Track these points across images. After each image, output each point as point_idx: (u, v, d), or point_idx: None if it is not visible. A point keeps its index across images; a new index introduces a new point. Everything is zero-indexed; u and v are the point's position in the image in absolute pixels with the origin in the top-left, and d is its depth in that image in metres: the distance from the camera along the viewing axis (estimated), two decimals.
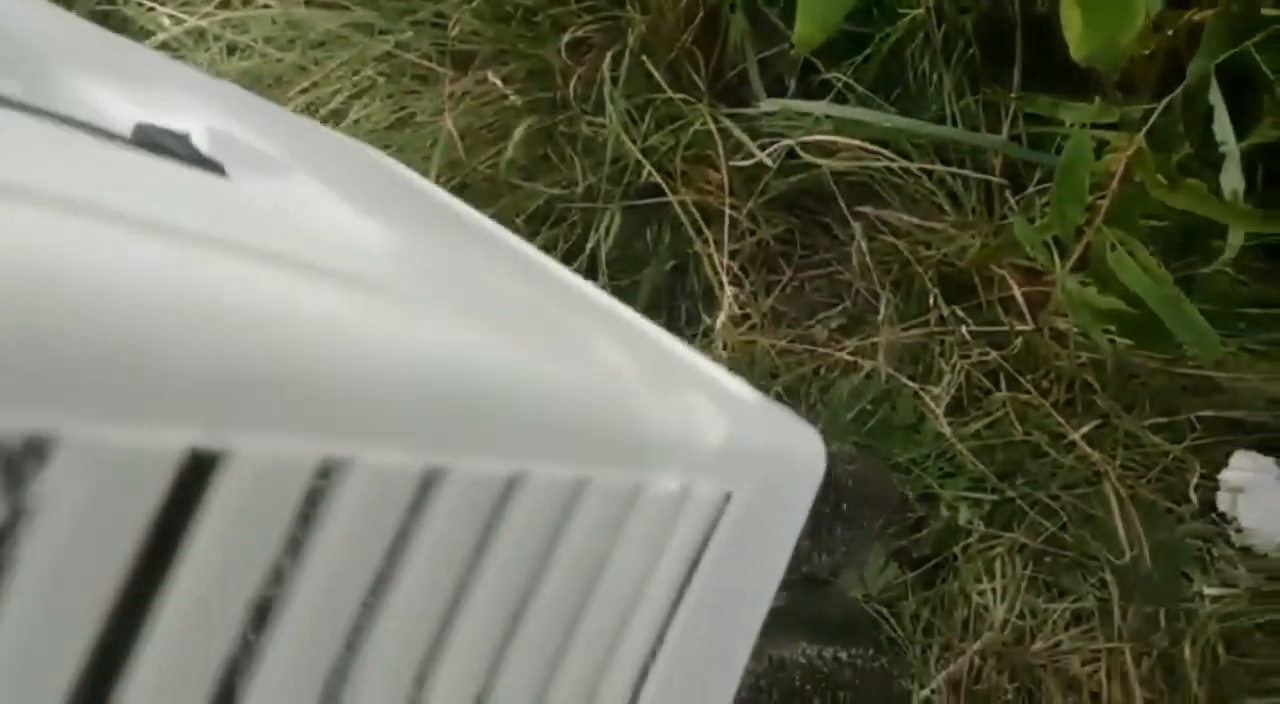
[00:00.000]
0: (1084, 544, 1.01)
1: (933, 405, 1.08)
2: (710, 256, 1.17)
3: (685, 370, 0.55)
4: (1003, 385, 1.07)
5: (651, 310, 1.23)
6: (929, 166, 1.04)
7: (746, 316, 1.19)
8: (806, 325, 1.20)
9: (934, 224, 1.10)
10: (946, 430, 1.06)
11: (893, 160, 1.04)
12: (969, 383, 1.07)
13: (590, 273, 1.20)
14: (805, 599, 1.04)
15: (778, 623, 1.06)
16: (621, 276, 1.20)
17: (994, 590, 0.99)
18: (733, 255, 1.16)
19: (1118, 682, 0.95)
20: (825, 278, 1.21)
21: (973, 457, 1.05)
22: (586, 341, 0.48)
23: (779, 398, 1.16)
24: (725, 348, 1.12)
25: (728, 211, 1.10)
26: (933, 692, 0.95)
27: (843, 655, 0.94)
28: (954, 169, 1.05)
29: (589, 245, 1.19)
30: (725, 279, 1.08)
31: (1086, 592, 0.99)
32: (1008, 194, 1.12)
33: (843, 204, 1.14)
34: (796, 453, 0.60)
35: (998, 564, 1.00)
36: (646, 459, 0.44)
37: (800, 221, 1.20)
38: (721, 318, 1.07)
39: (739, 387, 0.58)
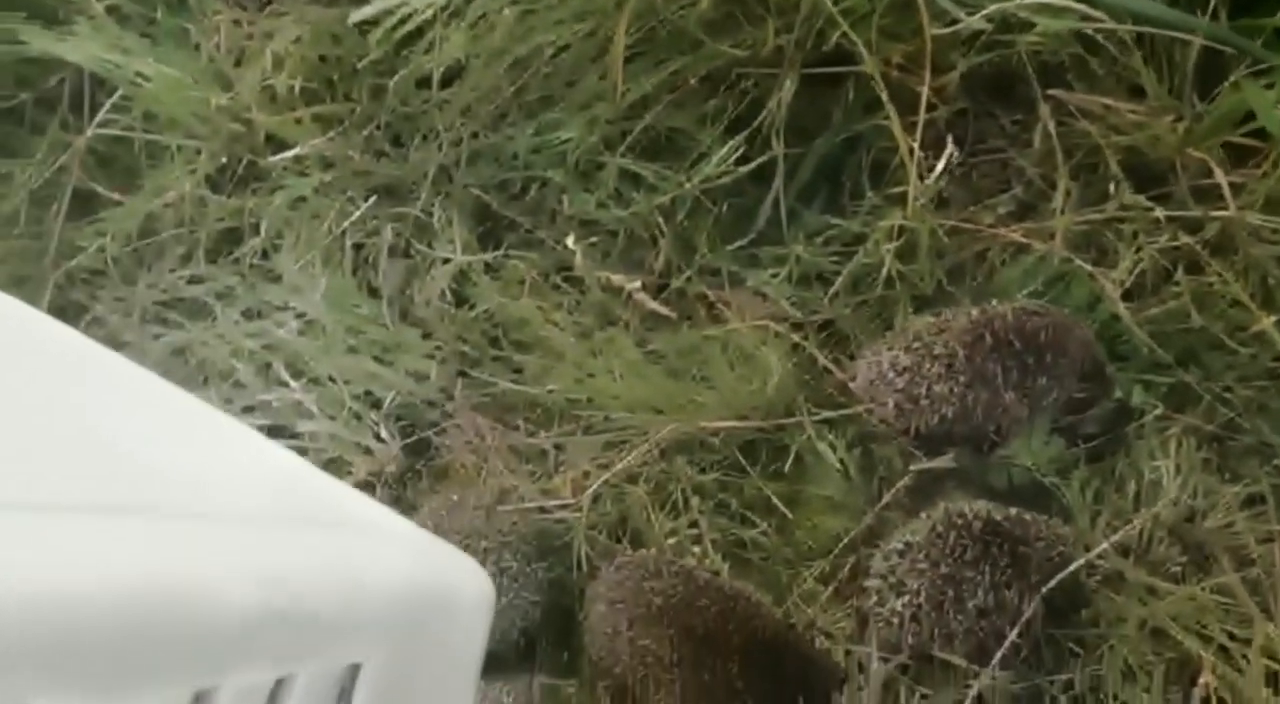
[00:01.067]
0: (1260, 433, 1.00)
1: (1110, 288, 1.07)
2: (890, 131, 1.16)
3: (320, 527, 0.52)
4: (1180, 274, 1.07)
5: (816, 183, 1.22)
6: (1135, 29, 1.03)
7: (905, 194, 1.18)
8: (971, 209, 1.19)
9: (1127, 107, 1.09)
10: (1124, 313, 1.06)
11: (1098, 22, 1.02)
12: (1151, 269, 1.07)
13: (763, 142, 1.19)
14: (976, 464, 1.05)
15: (951, 483, 1.06)
16: (792, 147, 1.19)
17: (1167, 469, 0.99)
18: (909, 131, 1.15)
19: None
20: (996, 163, 1.20)
21: (1149, 340, 1.05)
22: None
23: (943, 279, 1.15)
24: (904, 216, 1.11)
25: (927, 85, 1.09)
26: (1099, 556, 0.95)
27: (1026, 516, 0.95)
28: (1161, 30, 1.03)
29: (764, 110, 1.18)
30: (916, 149, 1.08)
31: (1261, 477, 0.99)
32: (1195, 99, 1.10)
33: (1035, 84, 1.12)
34: (449, 597, 0.54)
35: (1171, 445, 1.00)
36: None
37: (976, 104, 1.19)
38: (925, 180, 1.06)
39: (392, 527, 0.55)
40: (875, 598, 0.97)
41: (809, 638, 0.99)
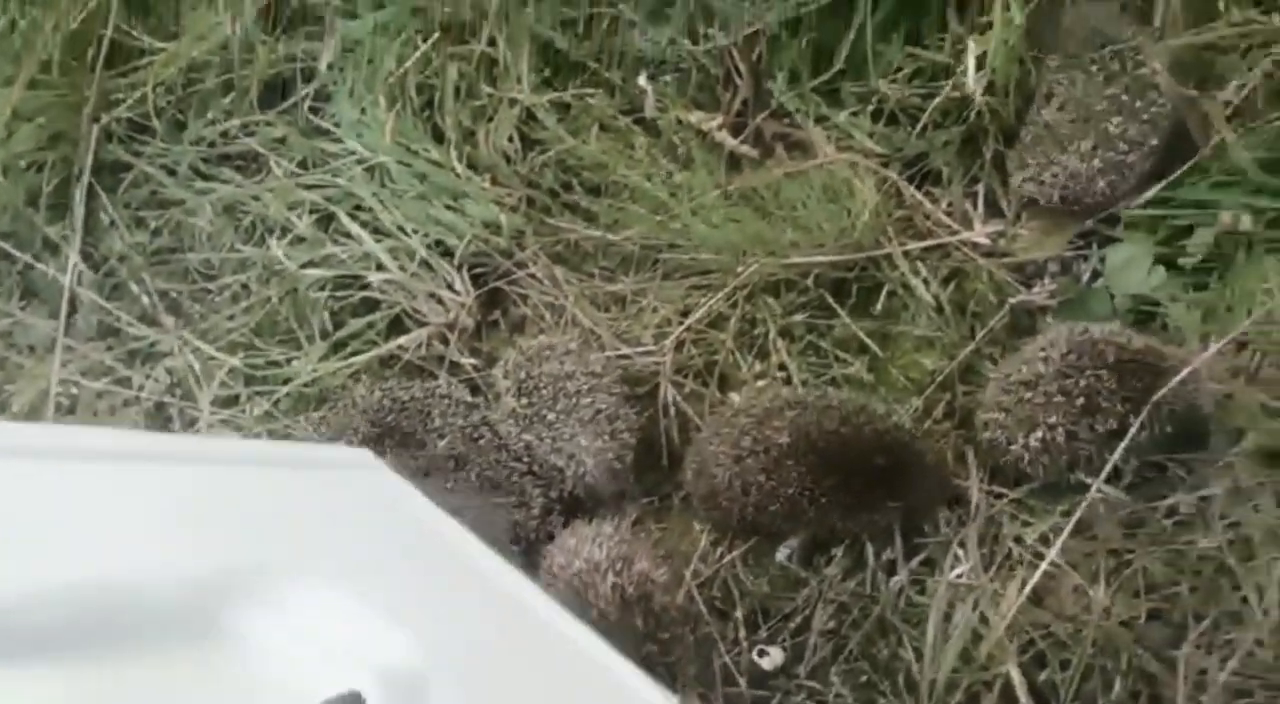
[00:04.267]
0: None
1: (1216, 111, 1.03)
2: None
3: None
4: None
5: (897, 16, 1.16)
6: None
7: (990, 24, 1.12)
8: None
9: None
10: (1229, 136, 1.02)
11: None
12: (1264, 89, 1.02)
13: None
14: (1077, 293, 1.02)
15: (1048, 315, 1.03)
16: None
17: (1277, 289, 0.97)
18: None
19: None
20: None
21: (1256, 167, 1.01)
22: None
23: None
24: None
25: None
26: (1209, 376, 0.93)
27: (1156, 345, 0.92)
28: None
29: None
30: None
31: None
32: None
33: None
34: None
35: None
36: None
37: None
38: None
39: None
40: (1000, 434, 0.94)
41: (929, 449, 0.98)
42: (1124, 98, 1.02)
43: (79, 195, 1.19)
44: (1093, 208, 1.05)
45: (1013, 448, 0.93)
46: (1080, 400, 0.91)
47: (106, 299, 1.17)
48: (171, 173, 1.20)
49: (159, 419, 1.11)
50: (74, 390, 1.13)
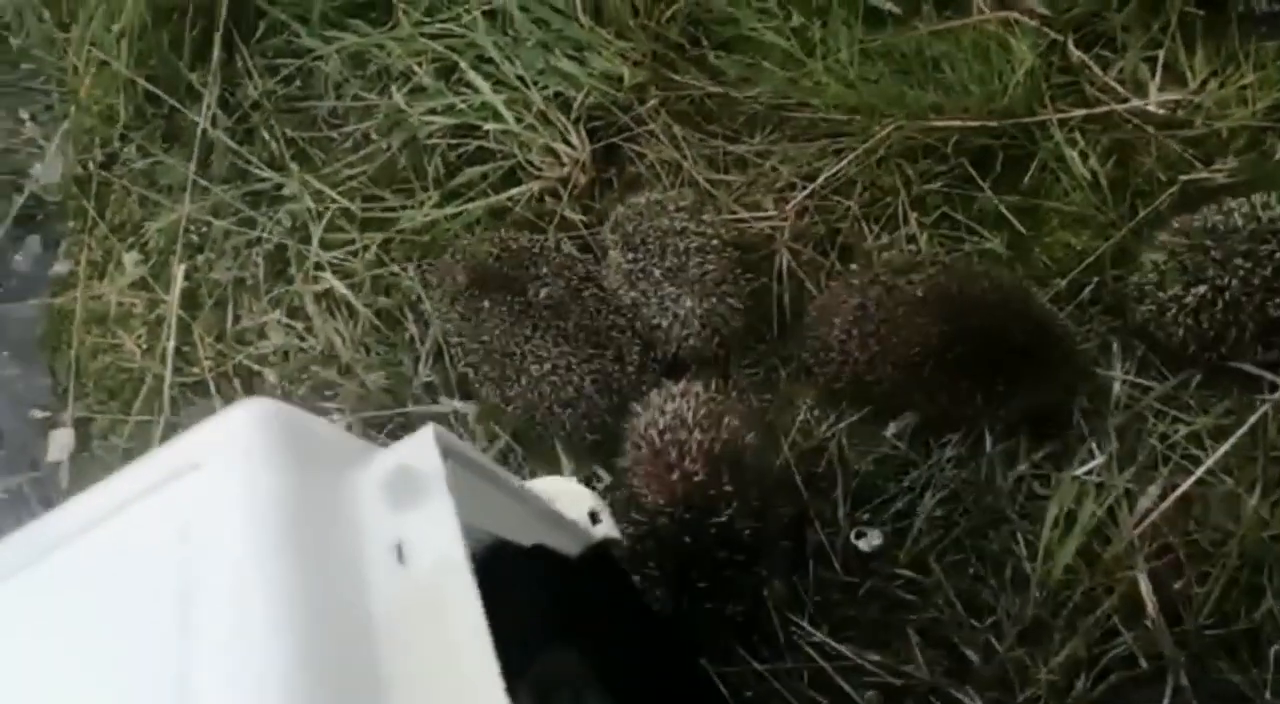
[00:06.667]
0: None
1: None
2: None
3: None
4: None
5: None
6: None
7: None
8: None
9: None
10: None
11: None
12: None
13: None
14: (1262, 171, 0.89)
15: (1225, 197, 0.89)
16: None
17: None
18: None
19: None
20: None
21: None
22: None
23: None
24: None
25: None
26: None
27: None
28: None
29: None
30: None
31: None
32: None
33: None
34: None
35: None
36: None
37: None
38: None
39: None
40: (1155, 280, 0.84)
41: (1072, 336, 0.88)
42: None
43: (217, 42, 1.21)
44: None
45: (1163, 294, 0.83)
46: (1266, 271, 0.79)
47: (239, 143, 1.19)
48: (304, 21, 1.21)
49: (279, 260, 1.13)
50: (204, 229, 1.17)
